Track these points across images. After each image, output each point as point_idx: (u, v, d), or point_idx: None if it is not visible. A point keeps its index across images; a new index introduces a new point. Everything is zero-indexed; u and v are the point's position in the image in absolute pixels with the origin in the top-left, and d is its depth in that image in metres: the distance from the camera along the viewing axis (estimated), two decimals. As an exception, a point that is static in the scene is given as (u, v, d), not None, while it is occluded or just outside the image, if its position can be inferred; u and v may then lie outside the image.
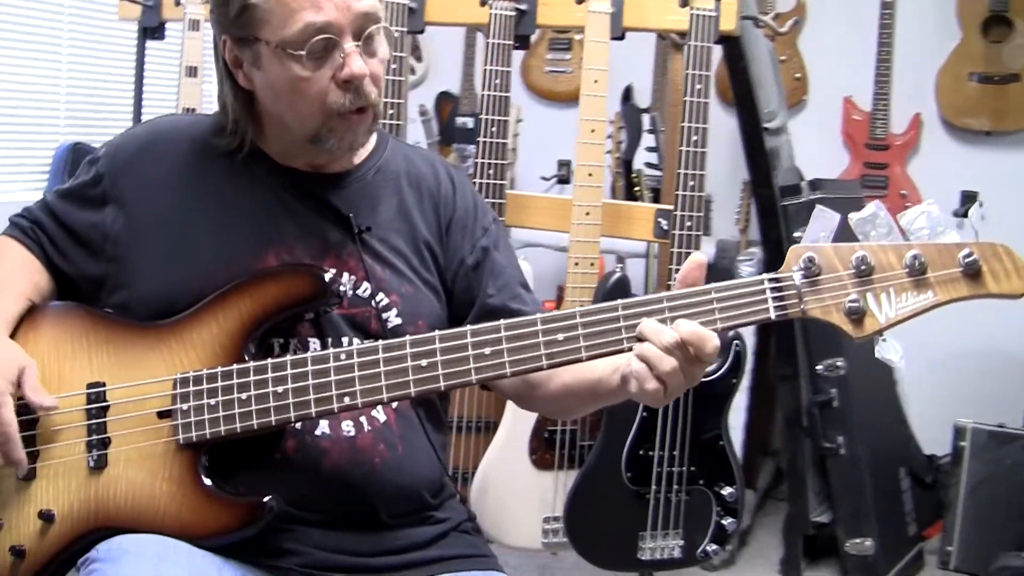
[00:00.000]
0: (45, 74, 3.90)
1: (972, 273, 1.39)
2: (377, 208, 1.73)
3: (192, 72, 2.85)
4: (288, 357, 1.57)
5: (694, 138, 2.48)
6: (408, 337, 1.54)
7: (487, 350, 1.50)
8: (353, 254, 1.68)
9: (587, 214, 2.58)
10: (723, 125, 3.83)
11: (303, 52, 1.55)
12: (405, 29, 2.74)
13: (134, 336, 1.65)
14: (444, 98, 5.38)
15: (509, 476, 2.62)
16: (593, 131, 2.58)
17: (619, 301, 1.48)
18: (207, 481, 1.58)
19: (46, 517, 1.59)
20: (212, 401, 1.57)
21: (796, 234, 3.31)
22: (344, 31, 1.56)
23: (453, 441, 2.70)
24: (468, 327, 1.52)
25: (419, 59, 5.40)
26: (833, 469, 3.50)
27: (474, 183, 2.64)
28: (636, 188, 4.39)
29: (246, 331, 1.61)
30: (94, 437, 1.60)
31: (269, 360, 1.57)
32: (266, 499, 1.56)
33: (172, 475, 1.58)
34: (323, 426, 1.63)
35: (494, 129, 2.65)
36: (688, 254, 2.47)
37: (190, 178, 1.71)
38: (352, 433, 1.64)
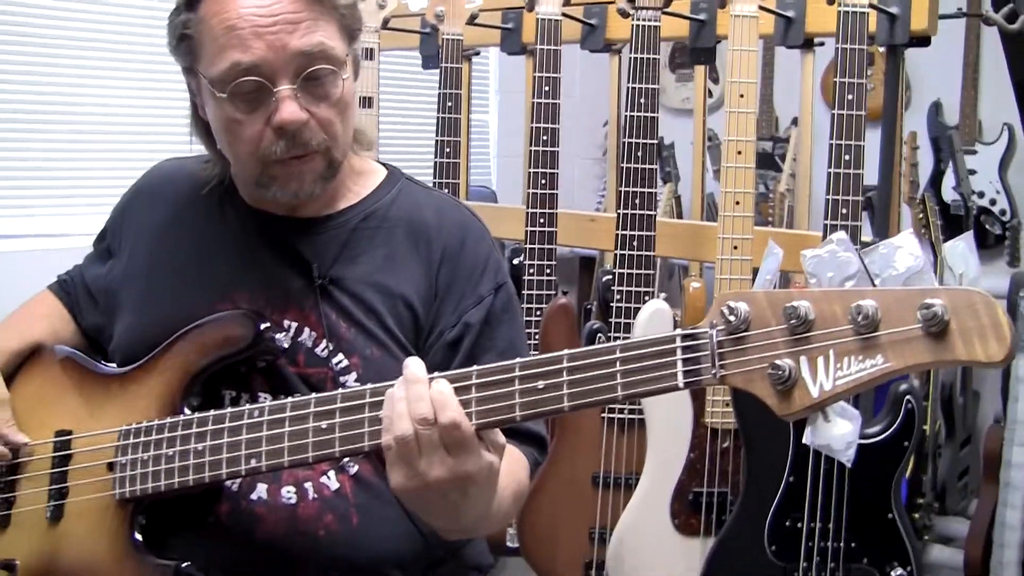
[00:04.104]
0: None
1: (936, 332, 1.03)
2: (357, 259, 1.55)
3: (367, 103, 2.78)
4: (212, 412, 1.44)
5: (846, 157, 2.11)
6: (314, 395, 1.36)
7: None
8: (315, 308, 1.53)
9: (735, 248, 2.27)
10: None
11: (225, 94, 1.42)
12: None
13: (102, 384, 1.60)
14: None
15: (649, 542, 2.34)
16: (740, 153, 2.26)
17: (518, 360, 1.23)
18: (138, 538, 1.50)
19: (7, 567, 1.58)
20: (145, 456, 1.48)
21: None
22: (278, 73, 1.41)
23: (591, 497, 2.45)
24: (369, 386, 1.32)
25: (715, 81, 5.09)
26: None
27: (624, 214, 2.39)
28: (921, 217, 3.88)
29: (185, 381, 1.52)
30: (53, 487, 1.56)
31: (195, 415, 1.46)
32: (184, 564, 1.46)
33: (110, 530, 1.51)
34: (260, 490, 1.50)
35: (639, 154, 2.39)
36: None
37: (170, 223, 1.65)
38: (293, 500, 1.49)
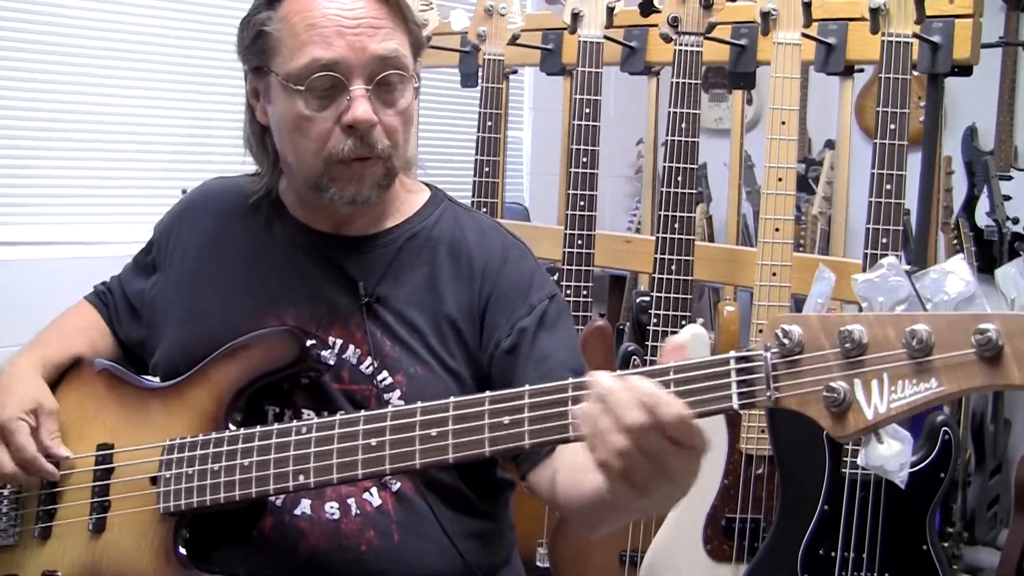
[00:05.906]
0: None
1: (990, 356, 1.03)
2: (401, 278, 1.58)
3: (408, 122, 2.80)
4: (258, 428, 1.46)
5: (887, 187, 2.11)
6: (363, 413, 1.38)
7: (433, 431, 1.31)
8: (360, 325, 1.55)
9: (774, 274, 2.27)
10: None
11: (302, 87, 1.45)
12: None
13: (144, 398, 1.62)
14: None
15: (680, 566, 2.34)
16: (780, 180, 2.27)
17: (570, 380, 1.24)
18: (182, 551, 1.51)
19: None
20: (190, 470, 1.50)
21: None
22: (354, 72, 1.45)
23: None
24: (419, 404, 1.33)
25: (750, 102, 5.08)
26: None
27: (663, 238, 2.40)
28: (955, 242, 3.88)
29: (231, 397, 1.53)
30: (95, 500, 1.57)
31: (241, 430, 1.47)
32: None
33: (153, 544, 1.52)
34: (304, 506, 1.51)
35: (679, 179, 2.40)
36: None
37: (216, 239, 1.67)
38: (336, 516, 1.50)
